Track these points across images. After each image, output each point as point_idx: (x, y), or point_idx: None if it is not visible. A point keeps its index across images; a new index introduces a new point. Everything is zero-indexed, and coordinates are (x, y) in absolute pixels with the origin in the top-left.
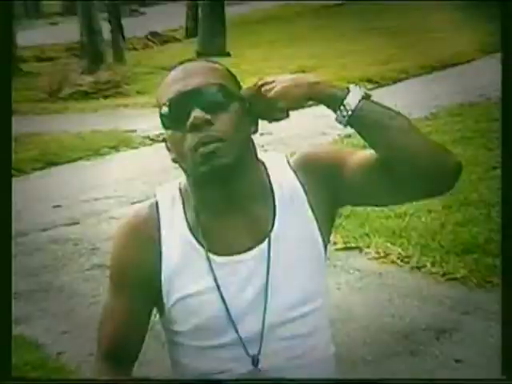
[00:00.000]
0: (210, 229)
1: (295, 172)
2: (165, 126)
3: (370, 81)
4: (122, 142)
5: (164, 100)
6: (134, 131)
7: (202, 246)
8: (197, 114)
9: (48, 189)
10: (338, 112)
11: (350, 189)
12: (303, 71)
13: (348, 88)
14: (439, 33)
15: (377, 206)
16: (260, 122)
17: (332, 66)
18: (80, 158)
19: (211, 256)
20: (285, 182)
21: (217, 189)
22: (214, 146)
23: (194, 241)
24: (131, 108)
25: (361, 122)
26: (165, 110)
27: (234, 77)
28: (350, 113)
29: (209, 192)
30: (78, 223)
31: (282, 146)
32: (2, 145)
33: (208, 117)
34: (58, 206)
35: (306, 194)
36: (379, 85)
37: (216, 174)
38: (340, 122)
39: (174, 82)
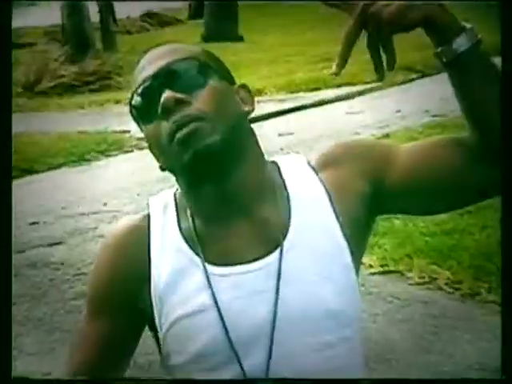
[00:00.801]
0: (207, 235)
1: (317, 173)
2: (138, 121)
3: (410, 69)
4: (113, 146)
5: (134, 90)
6: (128, 132)
7: (198, 255)
8: (167, 94)
9: (24, 202)
10: (446, 46)
11: (395, 190)
12: (329, 59)
13: (463, 25)
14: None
15: (426, 213)
16: (279, 119)
17: (364, 53)
18: (63, 165)
19: (208, 266)
20: (303, 183)
21: (211, 184)
22: (193, 126)
23: (188, 250)
24: (124, 104)
25: (467, 67)
26: (136, 101)
27: (214, 56)
28: (462, 49)
29: (202, 189)
30: (60, 243)
31: (306, 149)
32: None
33: (180, 96)
34: (36, 223)
35: (331, 199)
36: (423, 74)
37: (203, 162)
38: (441, 59)
39: (142, 70)
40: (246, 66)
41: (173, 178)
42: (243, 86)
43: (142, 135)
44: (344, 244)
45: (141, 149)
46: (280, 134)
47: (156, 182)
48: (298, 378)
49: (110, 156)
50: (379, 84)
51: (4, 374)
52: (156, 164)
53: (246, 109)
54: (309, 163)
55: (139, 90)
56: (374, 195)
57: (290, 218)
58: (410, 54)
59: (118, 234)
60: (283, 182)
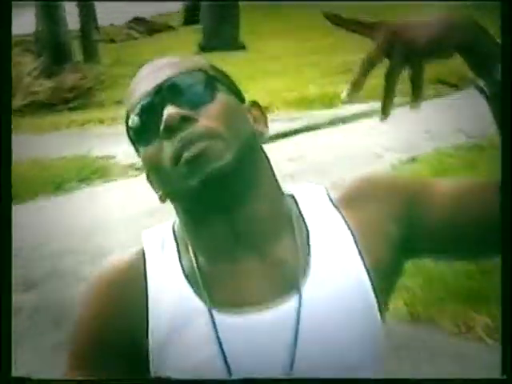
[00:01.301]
0: (213, 276)
1: (339, 209)
2: (136, 144)
3: (442, 82)
4: (95, 173)
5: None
6: (113, 157)
7: (203, 300)
8: (170, 110)
9: None
10: (487, 76)
11: (427, 233)
12: (347, 71)
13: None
14: None
15: (461, 257)
16: (289, 141)
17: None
18: (38, 195)
19: (215, 314)
20: (324, 220)
21: (220, 215)
22: (202, 145)
23: (191, 294)
24: (108, 125)
25: None
26: (134, 120)
27: (220, 69)
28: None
29: (209, 221)
30: (34, 287)
31: (319, 175)
32: None
33: (186, 112)
34: None
35: (355, 240)
36: (457, 88)
37: (213, 186)
38: (481, 91)
39: (140, 84)
40: (249, 79)
41: (166, 211)
42: (254, 104)
43: (128, 161)
44: (369, 289)
45: (128, 177)
46: (290, 159)
47: (145, 215)
48: (299, 378)
49: (92, 185)
50: (405, 99)
51: (4, 374)
52: (146, 194)
53: (260, 129)
54: (329, 196)
55: (137, 108)
56: (403, 237)
57: (309, 258)
58: (443, 65)
59: (108, 275)
60: (302, 216)
